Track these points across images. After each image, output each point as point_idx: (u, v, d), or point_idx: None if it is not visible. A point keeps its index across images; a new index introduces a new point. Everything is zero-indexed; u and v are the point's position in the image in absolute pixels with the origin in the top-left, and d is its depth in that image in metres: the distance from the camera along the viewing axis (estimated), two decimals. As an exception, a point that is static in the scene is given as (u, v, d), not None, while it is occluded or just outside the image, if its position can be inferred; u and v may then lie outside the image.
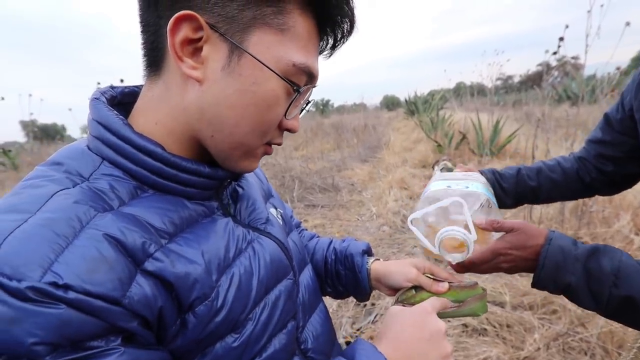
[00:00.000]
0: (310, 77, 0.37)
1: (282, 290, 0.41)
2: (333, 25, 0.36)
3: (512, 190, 0.78)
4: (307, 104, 0.42)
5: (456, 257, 0.53)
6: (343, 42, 0.38)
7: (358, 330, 1.73)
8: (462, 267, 0.57)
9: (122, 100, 0.39)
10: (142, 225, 0.30)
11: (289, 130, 0.39)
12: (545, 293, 1.66)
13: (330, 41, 0.38)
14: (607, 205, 2.35)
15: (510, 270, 0.55)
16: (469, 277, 0.52)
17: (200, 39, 0.32)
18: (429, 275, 0.54)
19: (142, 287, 0.28)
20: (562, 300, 1.59)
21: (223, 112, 0.33)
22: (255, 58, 0.32)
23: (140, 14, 0.34)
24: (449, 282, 0.52)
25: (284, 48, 0.33)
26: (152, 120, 0.35)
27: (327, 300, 2.06)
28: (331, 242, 0.64)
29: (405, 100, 10.02)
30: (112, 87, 0.39)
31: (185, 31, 0.31)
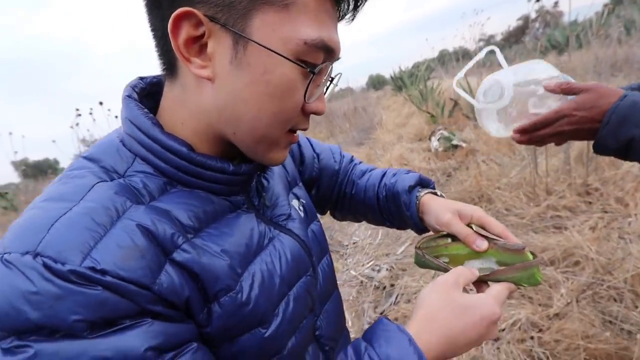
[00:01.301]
0: (328, 52, 0.33)
1: (303, 286, 0.41)
2: None
3: None
4: (331, 81, 0.39)
5: (493, 107, 0.52)
6: (365, 0, 0.35)
7: (381, 313, 1.71)
8: (523, 132, 0.52)
9: (151, 91, 0.39)
10: (171, 219, 0.32)
11: (316, 113, 0.36)
12: (564, 246, 1.63)
13: (351, 2, 0.34)
14: (612, 148, 2.30)
15: (572, 135, 0.50)
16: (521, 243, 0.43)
17: (203, 35, 0.31)
18: (474, 227, 0.45)
19: (170, 275, 0.30)
20: (582, 250, 1.56)
21: (239, 108, 0.33)
22: (259, 44, 0.30)
23: (148, 19, 0.34)
24: (491, 240, 0.43)
25: (291, 26, 0.31)
26: (177, 120, 0.36)
27: (346, 287, 2.03)
28: (383, 176, 0.59)
29: (391, 77, 9.90)
30: (141, 79, 0.39)
31: (186, 30, 0.30)
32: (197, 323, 0.32)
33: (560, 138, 0.51)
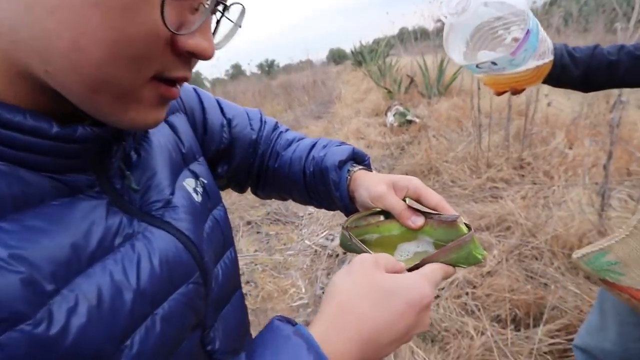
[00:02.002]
0: None
1: (180, 299, 0.30)
2: None
3: (584, 61, 0.70)
4: (223, 9, 0.27)
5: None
6: None
7: (334, 279, 1.77)
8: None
9: None
10: None
11: (197, 55, 0.24)
12: (498, 213, 1.79)
13: None
14: (545, 126, 2.53)
15: None
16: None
17: None
18: (407, 200, 0.39)
19: None
20: (513, 216, 1.73)
21: (43, 23, 0.20)
22: None
23: None
24: (427, 215, 0.38)
25: None
26: None
27: (300, 257, 2.06)
28: (312, 147, 0.48)
29: (352, 52, 9.83)
30: None
31: None
32: None
33: None
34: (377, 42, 8.62)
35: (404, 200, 0.39)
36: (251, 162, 0.51)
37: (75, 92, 0.23)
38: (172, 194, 0.33)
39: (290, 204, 2.71)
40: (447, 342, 1.20)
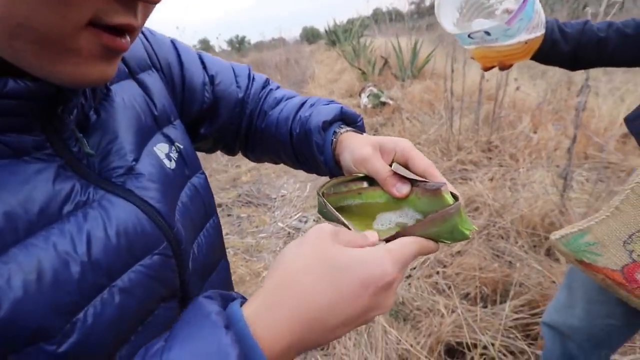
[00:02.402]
0: None
1: (143, 270, 0.28)
2: None
3: (574, 37, 0.69)
4: None
5: None
6: None
7: (307, 261, 1.75)
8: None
9: None
10: None
11: None
12: (468, 194, 1.83)
13: None
14: (512, 110, 2.61)
15: None
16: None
17: None
18: (393, 165, 0.34)
19: None
20: (482, 197, 1.77)
21: None
22: None
23: None
24: (414, 182, 0.33)
25: None
26: None
27: (273, 239, 2.01)
28: (301, 106, 0.44)
29: (326, 31, 9.59)
30: None
31: None
32: None
33: None
34: (351, 21, 8.45)
35: (390, 165, 0.34)
36: (239, 123, 0.48)
37: None
38: (137, 160, 0.30)
39: (263, 186, 2.63)
40: (419, 320, 1.22)
